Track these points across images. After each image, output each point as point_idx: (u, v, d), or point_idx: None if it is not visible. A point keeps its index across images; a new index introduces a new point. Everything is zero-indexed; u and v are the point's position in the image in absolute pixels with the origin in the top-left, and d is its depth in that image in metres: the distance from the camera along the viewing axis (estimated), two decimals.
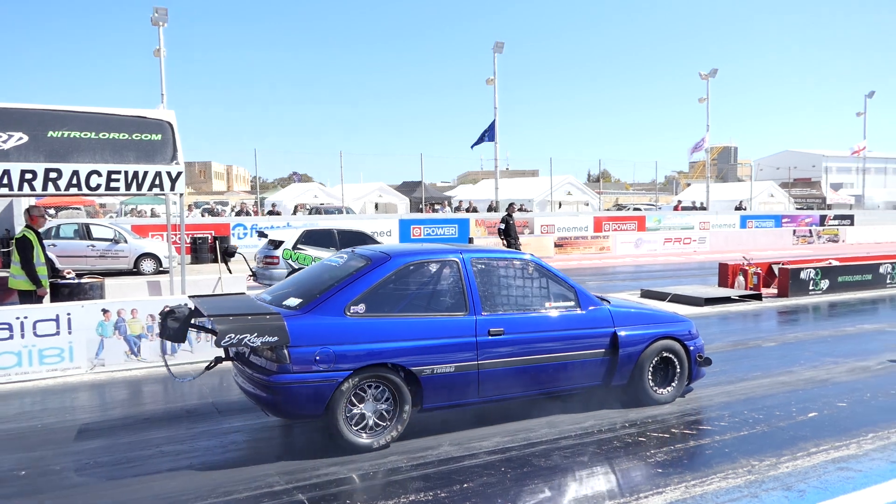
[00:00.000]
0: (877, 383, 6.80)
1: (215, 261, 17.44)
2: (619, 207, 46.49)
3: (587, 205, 42.58)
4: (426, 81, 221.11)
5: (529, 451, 4.93)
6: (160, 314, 5.39)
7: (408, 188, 44.94)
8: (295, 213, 31.98)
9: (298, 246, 13.00)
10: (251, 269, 13.10)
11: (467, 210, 33.31)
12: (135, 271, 17.04)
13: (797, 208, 45.99)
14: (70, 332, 7.21)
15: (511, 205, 19.72)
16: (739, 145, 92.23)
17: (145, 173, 7.87)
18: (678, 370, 6.16)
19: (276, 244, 13.07)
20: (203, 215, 33.43)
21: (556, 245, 25.50)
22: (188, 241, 20.68)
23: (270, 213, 26.92)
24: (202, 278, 10.51)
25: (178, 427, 5.57)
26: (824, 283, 13.50)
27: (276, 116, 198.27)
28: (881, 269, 14.60)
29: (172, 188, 8.13)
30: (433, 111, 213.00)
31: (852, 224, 35.87)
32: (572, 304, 5.86)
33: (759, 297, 12.71)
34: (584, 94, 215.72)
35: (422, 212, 32.40)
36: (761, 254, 21.39)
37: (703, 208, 37.44)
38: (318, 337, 4.83)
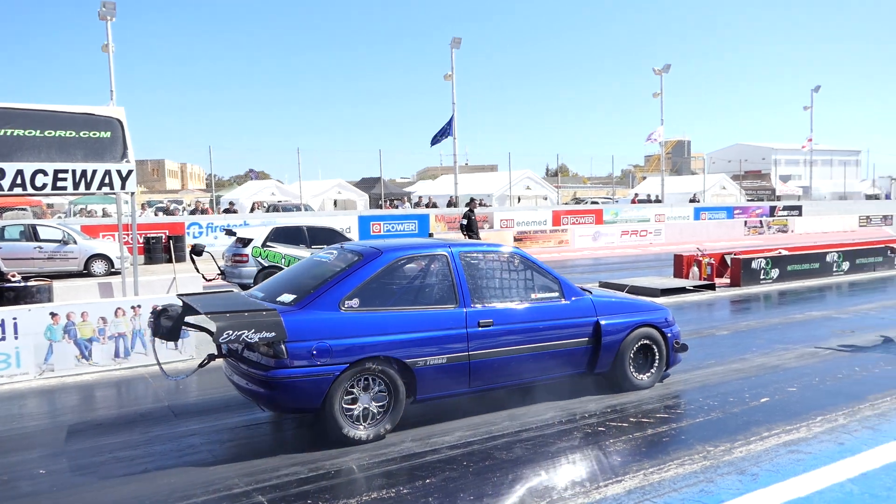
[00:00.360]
0: (825, 368, 7.03)
1: (170, 261, 17.07)
2: (577, 201, 47.05)
3: (546, 199, 43.02)
4: (385, 77, 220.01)
5: (491, 445, 4.95)
6: (152, 313, 5.40)
7: (367, 184, 44.73)
8: (252, 210, 31.51)
9: (268, 243, 12.93)
10: (219, 268, 13.04)
11: (427, 205, 33.31)
12: (85, 273, 16.56)
13: (748, 200, 47.25)
14: (17, 338, 6.96)
15: (472, 200, 19.84)
16: (693, 139, 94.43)
17: (94, 172, 7.66)
18: (657, 357, 6.40)
19: (245, 242, 12.99)
20: (156, 214, 32.66)
21: (516, 239, 25.67)
22: (141, 241, 20.21)
23: (227, 211, 26.44)
24: (156, 279, 10.28)
25: (133, 432, 5.44)
26: (774, 273, 13.91)
27: (232, 113, 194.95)
28: (828, 258, 15.11)
29: (123, 187, 7.94)
30: (392, 107, 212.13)
31: (800, 215, 37.02)
32: (556, 294, 6.03)
33: (712, 287, 13.03)
34: (542, 90, 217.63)
35: (381, 208, 32.27)
36: (714, 245, 21.93)
37: (658, 201, 38.18)
38: (314, 332, 4.90)
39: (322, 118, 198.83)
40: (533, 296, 5.92)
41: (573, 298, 6.08)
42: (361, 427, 5.02)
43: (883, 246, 16.61)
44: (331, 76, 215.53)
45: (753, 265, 13.65)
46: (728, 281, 13.76)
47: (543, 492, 4.16)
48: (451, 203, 31.08)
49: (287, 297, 5.19)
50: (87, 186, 7.71)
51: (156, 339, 5.52)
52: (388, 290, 5.37)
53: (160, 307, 5.42)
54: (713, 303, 11.83)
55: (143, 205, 40.06)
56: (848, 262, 15.36)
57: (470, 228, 18.54)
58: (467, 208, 19.13)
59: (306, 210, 30.46)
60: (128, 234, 12.61)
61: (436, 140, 28.21)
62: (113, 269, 16.66)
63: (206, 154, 25.44)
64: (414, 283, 5.55)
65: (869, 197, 55.11)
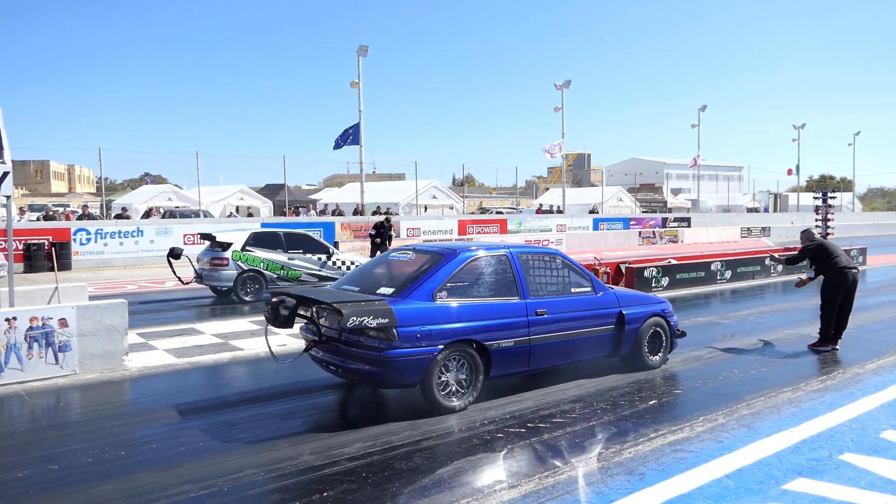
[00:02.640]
0: (707, 371, 7.48)
1: (53, 269, 15.98)
2: (483, 211, 47.81)
3: (452, 208, 43.47)
4: (291, 83, 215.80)
5: (391, 455, 4.93)
6: (269, 304, 6.23)
7: (271, 191, 43.58)
8: (148, 216, 29.97)
9: (247, 248, 13.31)
10: (196, 272, 13.53)
11: (333, 213, 32.87)
12: None
13: (643, 211, 49.60)
14: None
15: (388, 216, 20.00)
16: (593, 152, 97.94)
17: None
18: (664, 341, 7.58)
19: (225, 246, 13.20)
20: (38, 219, 30.42)
21: None
22: (20, 247, 18.79)
23: (118, 216, 25.01)
24: (35, 289, 9.58)
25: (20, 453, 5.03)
26: (665, 280, 14.68)
27: (125, 114, 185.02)
28: (712, 267, 16.11)
29: None
30: (298, 113, 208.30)
31: (689, 226, 39.27)
32: (589, 289, 7.10)
33: None
34: (449, 101, 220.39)
35: (285, 215, 31.54)
36: (611, 254, 22.89)
37: (560, 212, 39.41)
38: (417, 319, 5.74)
39: (224, 122, 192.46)
40: (572, 290, 6.98)
41: (601, 293, 7.16)
42: (455, 399, 5.91)
43: (762, 255, 17.89)
44: (234, 79, 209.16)
45: (646, 273, 14.35)
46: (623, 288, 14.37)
47: (442, 499, 4.18)
48: (358, 211, 30.82)
49: (387, 290, 6.05)
50: None
51: (269, 326, 6.33)
52: (466, 284, 6.25)
53: (278, 298, 6.19)
54: None
55: (21, 208, 37.27)
56: (730, 271, 16.44)
57: (381, 239, 18.65)
58: (384, 220, 19.35)
59: (206, 216, 29.31)
60: (3, 240, 11.68)
61: (338, 144, 27.81)
62: None
63: (96, 155, 23.96)
64: (484, 278, 6.39)
65: (750, 210, 59.20)
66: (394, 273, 6.57)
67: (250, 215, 34.60)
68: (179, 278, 13.69)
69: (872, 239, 35.20)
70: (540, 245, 28.42)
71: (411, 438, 5.28)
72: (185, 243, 22.19)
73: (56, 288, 8.94)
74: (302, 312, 6.20)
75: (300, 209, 38.09)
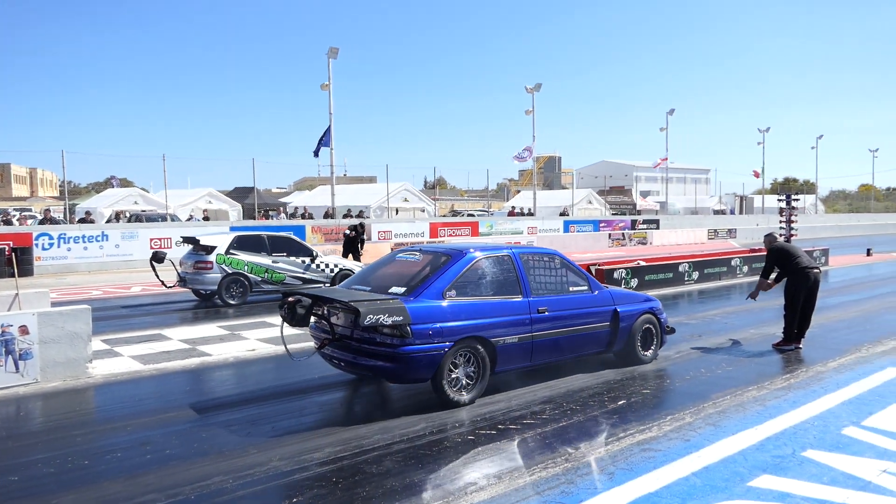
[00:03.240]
0: (675, 370, 7.59)
1: (13, 275, 15.57)
2: (455, 213, 47.89)
3: (423, 211, 43.42)
4: (259, 84, 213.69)
5: (362, 459, 4.90)
6: (286, 304, 6.28)
7: (240, 194, 43.02)
8: (117, 219, 29.39)
9: (231, 251, 13.35)
10: (179, 275, 13.47)
11: (303, 216, 32.62)
12: None
13: (612, 214, 50.13)
14: None
15: (362, 223, 19.98)
16: (563, 155, 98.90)
17: None
18: (655, 337, 7.95)
19: (209, 249, 13.20)
20: None
21: (393, 251, 25.74)
22: None
23: (82, 220, 24.48)
24: None
25: None
26: (634, 282, 14.85)
27: (90, 116, 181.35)
28: (680, 268, 16.35)
29: None
30: (267, 115, 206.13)
31: (658, 228, 39.82)
32: (586, 288, 7.42)
33: None
34: (421, 104, 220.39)
35: (255, 219, 31.22)
36: (582, 256, 23.11)
37: (531, 214, 39.64)
38: (429, 316, 5.98)
39: (193, 124, 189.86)
40: (570, 289, 7.27)
41: (597, 291, 7.49)
42: (463, 393, 6.18)
43: (729, 256, 18.20)
44: (203, 80, 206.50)
45: (615, 275, 14.50)
46: None
47: (413, 502, 4.17)
48: (328, 214, 30.62)
49: (399, 290, 6.26)
50: None
51: (285, 324, 6.47)
52: (473, 283, 6.48)
53: (294, 298, 6.28)
54: None
55: None
56: (698, 272, 16.70)
57: (352, 245, 18.65)
58: (358, 223, 19.42)
59: (173, 220, 28.87)
60: None
61: (318, 150, 27.69)
62: None
63: (59, 158, 23.43)
64: (489, 277, 6.64)
65: (717, 212, 60.23)
66: (403, 273, 6.72)
67: (206, 219, 34.00)
68: (163, 282, 13.76)
69: (834, 240, 36.07)
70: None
71: (382, 442, 5.26)
72: (150, 247, 21.84)
73: (17, 294, 8.71)
74: (317, 311, 6.38)
75: (270, 212, 37.73)
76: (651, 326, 7.90)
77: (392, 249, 25.68)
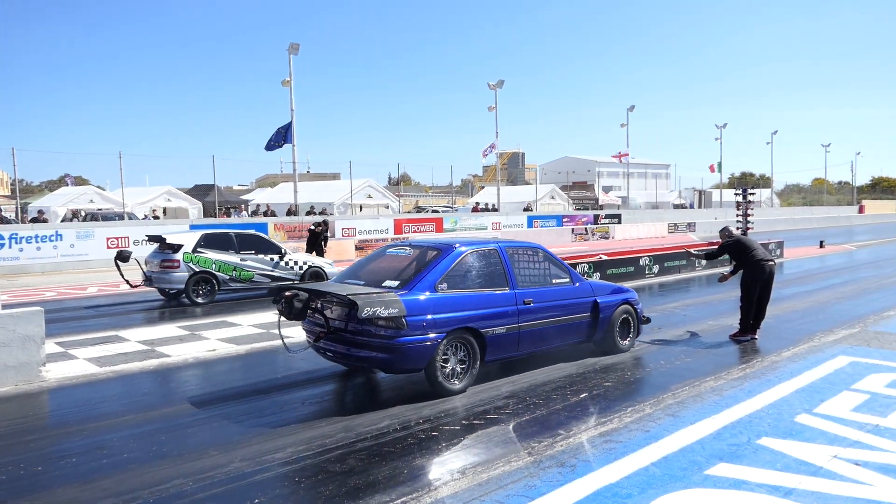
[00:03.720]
0: (636, 363, 7.72)
1: None
2: (419, 210, 47.85)
3: (387, 207, 43.31)
4: (220, 79, 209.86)
5: (325, 458, 4.87)
6: (284, 298, 6.46)
7: (200, 192, 42.34)
8: (73, 218, 28.57)
9: (198, 249, 13.20)
10: (144, 274, 13.35)
11: (265, 214, 32.23)
12: None
13: (575, 209, 50.71)
14: None
15: (324, 210, 19.84)
16: (527, 151, 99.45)
17: None
18: (632, 327, 8.28)
19: (176, 248, 13.03)
20: None
21: (357, 248, 25.62)
22: None
23: (35, 220, 23.73)
24: None
25: None
26: (596, 276, 15.03)
27: (42, 112, 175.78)
28: (641, 262, 16.62)
29: None
30: (229, 112, 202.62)
31: (620, 222, 40.39)
32: (567, 280, 7.67)
33: None
34: (384, 100, 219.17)
35: (215, 216, 30.71)
36: None
37: (495, 210, 39.83)
38: (422, 308, 6.18)
39: (151, 121, 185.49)
40: (553, 281, 7.53)
41: (578, 283, 7.74)
42: (455, 382, 6.39)
43: (687, 250, 18.57)
44: (161, 76, 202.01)
45: (578, 269, 14.64)
46: None
47: (376, 499, 4.16)
48: (291, 211, 30.30)
49: (392, 283, 6.47)
50: None
51: (282, 318, 6.65)
52: (463, 276, 6.68)
53: (290, 293, 6.46)
54: None
55: None
56: (658, 266, 17.00)
57: (315, 242, 18.51)
58: (322, 220, 19.33)
59: (131, 219, 28.25)
60: None
61: (271, 146, 27.28)
62: None
63: (10, 156, 22.70)
64: (478, 270, 6.85)
65: (676, 206, 61.32)
66: (395, 267, 6.90)
67: (155, 217, 33.34)
68: (128, 281, 13.62)
69: (789, 233, 37.06)
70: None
71: (346, 440, 5.23)
72: (107, 247, 21.33)
73: None
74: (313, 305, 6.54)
75: (231, 210, 37.20)
76: (628, 316, 8.23)
77: (356, 246, 25.60)
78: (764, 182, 73.84)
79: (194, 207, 39.37)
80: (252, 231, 15.47)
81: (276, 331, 8.33)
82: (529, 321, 7.00)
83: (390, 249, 7.47)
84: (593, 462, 4.68)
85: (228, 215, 33.77)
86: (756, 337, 8.96)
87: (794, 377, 6.92)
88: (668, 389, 6.53)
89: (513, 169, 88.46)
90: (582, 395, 6.39)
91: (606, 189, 72.41)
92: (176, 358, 8.31)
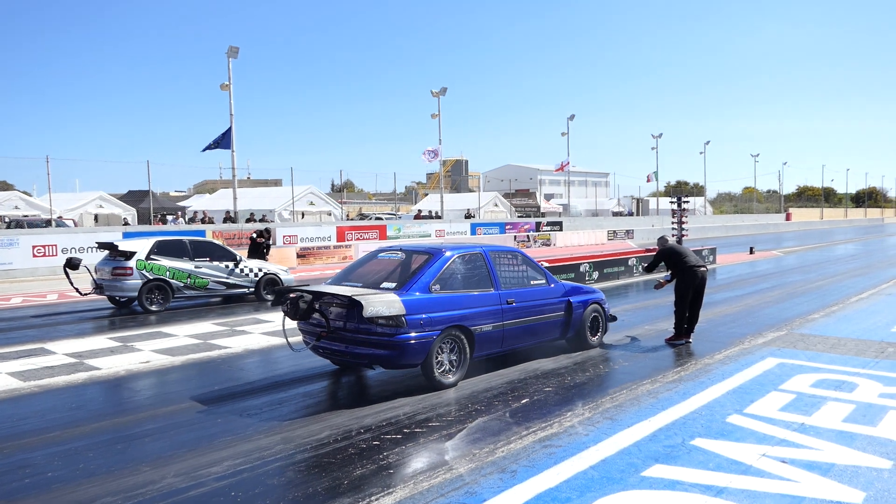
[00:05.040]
0: (575, 368, 7.83)
1: None
2: (363, 217, 47.54)
3: (330, 214, 42.85)
4: (155, 83, 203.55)
5: (263, 471, 4.76)
6: (289, 300, 6.90)
7: (135, 198, 40.86)
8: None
9: (152, 257, 13.09)
10: (95, 281, 13.14)
11: (203, 221, 31.42)
12: None
13: (518, 216, 51.33)
14: None
15: (264, 217, 19.50)
16: (470, 159, 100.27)
17: None
18: (601, 325, 8.97)
19: (128, 255, 12.89)
20: None
21: (299, 255, 25.26)
22: None
23: None
24: None
25: None
26: None
27: None
28: (581, 268, 16.94)
29: None
30: (165, 116, 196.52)
31: (561, 229, 41.11)
32: (544, 281, 8.27)
33: None
34: (326, 106, 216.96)
35: (150, 223, 29.74)
36: None
37: (438, 217, 39.93)
38: (419, 308, 6.64)
39: (81, 125, 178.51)
40: (531, 282, 8.09)
41: (553, 284, 8.33)
42: (449, 376, 6.89)
43: (626, 257, 19.02)
44: (92, 77, 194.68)
45: None
46: None
47: None
48: (229, 218, 29.63)
49: (389, 284, 6.94)
50: None
51: (287, 318, 7.04)
52: (453, 278, 7.17)
53: (295, 295, 6.87)
54: None
55: None
56: (597, 272, 17.36)
57: (257, 250, 18.16)
58: (264, 228, 19.00)
59: (59, 226, 27.08)
60: None
61: (209, 147, 26.61)
62: None
63: None
64: (466, 273, 7.34)
65: (615, 214, 62.92)
66: (389, 270, 7.36)
67: (76, 224, 32.12)
68: (77, 289, 13.34)
69: (722, 240, 38.49)
70: None
71: (285, 452, 5.13)
72: (33, 255, 20.38)
73: None
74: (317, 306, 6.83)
75: (167, 216, 36.09)
76: (597, 315, 8.92)
77: (298, 254, 25.23)
78: (698, 190, 76.48)
79: (128, 214, 38.04)
80: (206, 238, 15.61)
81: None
82: (512, 319, 7.54)
83: (382, 254, 7.87)
84: (534, 467, 4.72)
85: (164, 222, 32.74)
86: (690, 340, 9.24)
87: (725, 379, 7.16)
88: (607, 393, 6.66)
89: (456, 176, 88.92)
90: (523, 401, 6.45)
91: (548, 197, 73.60)
92: (106, 371, 7.99)
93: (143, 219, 35.47)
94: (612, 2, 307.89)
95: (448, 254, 7.30)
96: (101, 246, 13.77)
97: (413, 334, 6.53)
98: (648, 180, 60.05)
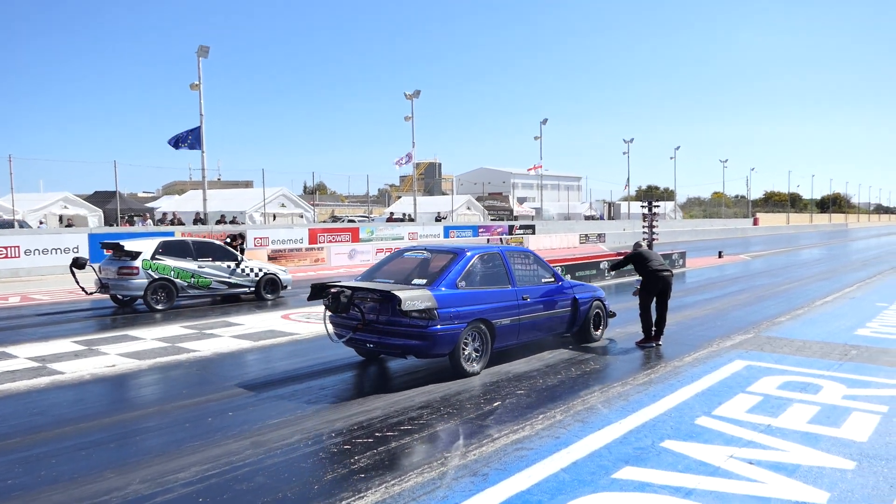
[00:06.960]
0: (547, 371, 7.87)
1: None
2: (335, 219, 47.27)
3: (302, 216, 42.51)
4: (123, 82, 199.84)
5: (231, 476, 4.68)
6: (331, 295, 7.38)
7: (102, 199, 40.04)
8: None
9: (157, 257, 13.40)
10: (100, 281, 13.36)
11: (172, 222, 30.95)
12: None
13: (491, 219, 51.49)
14: None
15: (234, 219, 19.39)
16: (443, 162, 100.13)
17: None
18: (602, 320, 9.62)
19: (134, 255, 13.20)
20: None
21: (270, 258, 25.00)
22: None
23: None
24: None
25: None
26: None
27: None
28: None
29: None
30: (133, 115, 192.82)
31: (534, 233, 41.32)
32: (552, 279, 8.89)
33: None
34: (298, 108, 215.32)
35: (117, 224, 29.20)
36: None
37: (411, 220, 39.86)
38: (449, 302, 7.20)
39: (45, 125, 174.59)
40: (542, 280, 8.72)
41: (560, 282, 8.93)
42: (474, 364, 7.50)
43: (597, 260, 19.17)
44: (57, 75, 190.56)
45: None
46: None
47: None
48: (199, 220, 29.22)
49: (420, 281, 7.49)
50: None
51: (328, 312, 7.59)
52: (475, 276, 7.74)
53: (336, 290, 7.39)
54: None
55: None
56: (570, 275, 17.42)
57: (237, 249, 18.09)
58: (237, 233, 19.01)
59: (22, 227, 26.45)
60: None
61: (175, 140, 26.09)
62: None
63: None
64: (487, 271, 7.94)
65: (588, 218, 63.37)
66: (417, 268, 7.90)
67: (70, 225, 31.52)
68: (83, 288, 13.59)
69: (691, 244, 39.05)
70: (390, 251, 28.54)
71: (254, 457, 5.05)
72: None
73: None
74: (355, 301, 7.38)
75: (135, 218, 35.49)
76: (599, 311, 9.55)
77: (269, 256, 24.97)
78: (668, 195, 77.51)
79: (94, 215, 37.27)
80: (209, 238, 15.99)
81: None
82: (527, 314, 8.14)
83: (407, 253, 8.44)
84: (505, 470, 4.72)
85: (132, 223, 32.19)
86: (660, 343, 9.34)
87: (694, 381, 7.25)
88: (578, 396, 6.70)
89: (430, 179, 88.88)
90: (495, 404, 6.45)
91: (521, 200, 74.01)
92: (70, 375, 7.81)
93: (110, 220, 34.82)
94: (587, 9, 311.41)
95: (470, 253, 7.85)
96: (106, 246, 13.97)
97: (443, 326, 7.06)
98: (626, 188, 60.92)
